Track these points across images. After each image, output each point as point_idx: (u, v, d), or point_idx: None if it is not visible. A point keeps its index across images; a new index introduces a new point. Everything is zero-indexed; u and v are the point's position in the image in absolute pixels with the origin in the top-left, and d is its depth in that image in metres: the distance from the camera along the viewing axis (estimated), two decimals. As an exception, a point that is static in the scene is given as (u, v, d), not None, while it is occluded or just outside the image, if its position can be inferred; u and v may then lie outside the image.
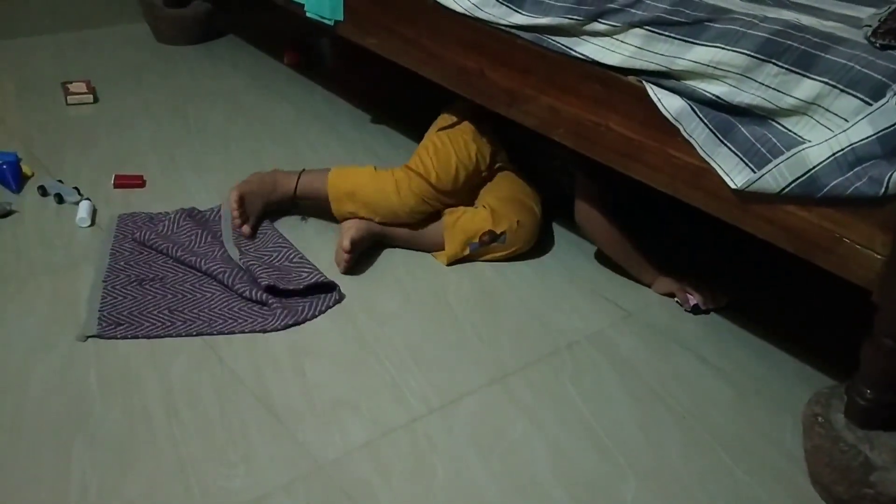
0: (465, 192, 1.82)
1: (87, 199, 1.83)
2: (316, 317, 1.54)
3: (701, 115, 1.29)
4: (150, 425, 1.27)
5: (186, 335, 1.46)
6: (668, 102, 1.32)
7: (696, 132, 1.29)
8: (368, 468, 1.23)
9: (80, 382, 1.35)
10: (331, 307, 1.57)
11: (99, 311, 1.50)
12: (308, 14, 2.03)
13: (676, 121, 1.31)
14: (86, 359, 1.39)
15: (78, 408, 1.30)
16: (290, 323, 1.51)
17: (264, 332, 1.49)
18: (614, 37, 1.40)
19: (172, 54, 2.78)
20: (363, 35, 1.92)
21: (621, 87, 1.39)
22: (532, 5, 1.52)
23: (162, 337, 1.45)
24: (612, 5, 1.40)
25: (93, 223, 1.77)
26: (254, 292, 1.55)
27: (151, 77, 2.59)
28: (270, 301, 1.54)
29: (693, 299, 1.64)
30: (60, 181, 1.90)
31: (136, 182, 1.95)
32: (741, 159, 1.24)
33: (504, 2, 1.57)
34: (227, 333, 1.47)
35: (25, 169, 1.93)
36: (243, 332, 1.48)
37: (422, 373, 1.43)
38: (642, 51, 1.36)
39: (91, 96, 2.35)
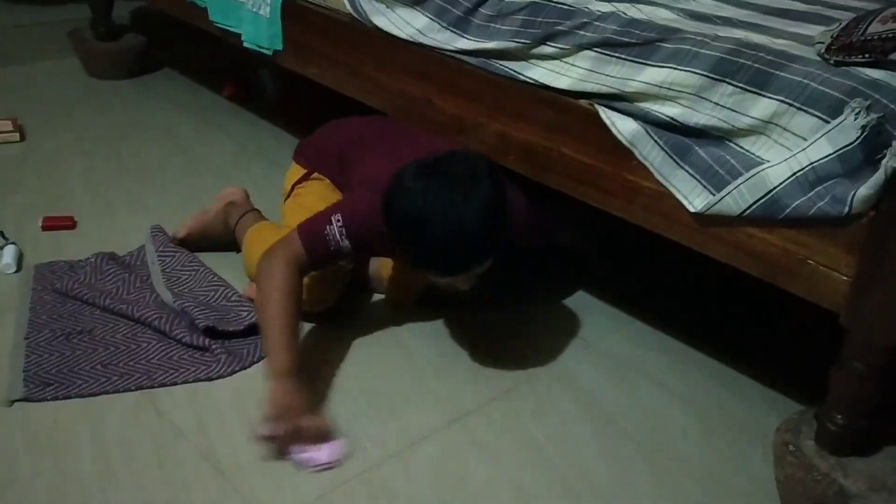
0: None
1: (13, 243, 1.72)
2: (261, 360, 1.45)
3: (656, 138, 1.25)
4: (82, 489, 1.17)
5: (125, 390, 1.36)
6: (622, 125, 1.28)
7: (652, 155, 1.26)
8: (322, 524, 1.15)
9: (5, 445, 1.24)
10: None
11: (24, 370, 1.38)
12: (246, 44, 1.96)
13: (631, 144, 1.28)
14: (10, 419, 1.28)
15: (2, 474, 1.19)
16: (235, 368, 1.42)
17: (209, 380, 1.39)
18: (563, 59, 1.37)
19: (105, 89, 2.68)
20: (304, 65, 1.86)
21: (572, 110, 1.35)
22: (477, 30, 1.48)
23: (97, 394, 1.34)
24: (560, 28, 1.36)
25: (19, 269, 1.66)
26: (194, 337, 1.45)
27: (83, 113, 2.48)
28: (213, 346, 1.45)
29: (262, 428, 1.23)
30: (-16, 226, 1.78)
31: (67, 223, 1.84)
32: (699, 182, 1.20)
33: (448, 27, 1.52)
34: (169, 385, 1.38)
35: (-55, 214, 1.81)
36: (186, 381, 1.39)
37: (377, 415, 1.35)
38: (593, 73, 1.32)
39: (17, 134, 2.23)
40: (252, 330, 1.49)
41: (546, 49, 1.38)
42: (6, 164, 2.12)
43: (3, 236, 1.75)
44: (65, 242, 1.77)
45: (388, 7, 1.62)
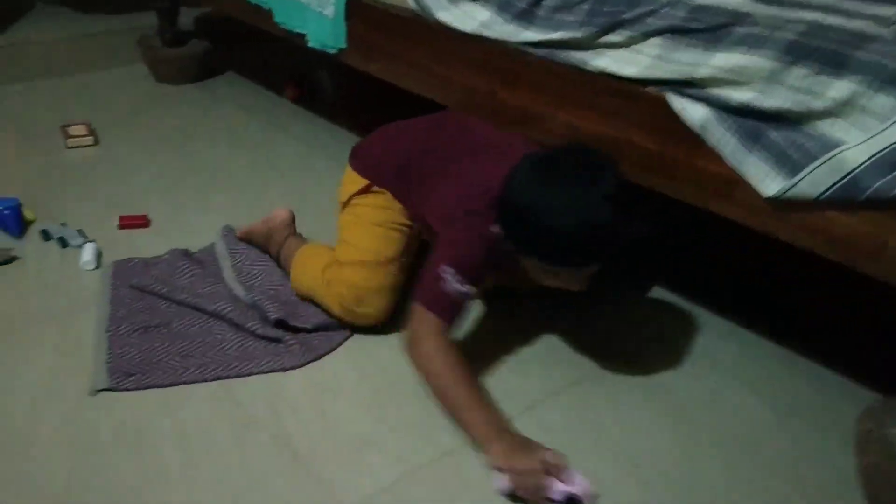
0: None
1: (92, 241, 1.78)
2: (332, 351, 1.48)
3: (728, 123, 1.23)
4: (165, 474, 1.21)
5: (202, 380, 1.39)
6: (692, 112, 1.27)
7: (723, 141, 1.24)
8: (398, 510, 1.16)
9: (90, 434, 1.28)
10: (342, 343, 1.51)
11: (107, 362, 1.42)
12: (310, 44, 1.99)
13: (702, 130, 1.26)
14: (95, 409, 1.33)
15: (89, 460, 1.23)
16: (308, 360, 1.45)
17: (283, 370, 1.42)
18: (630, 48, 1.36)
19: (172, 94, 2.75)
20: (367, 62, 1.88)
21: (640, 98, 1.34)
22: (542, 21, 1.48)
23: (177, 384, 1.39)
24: (626, 16, 1.35)
25: (98, 266, 1.72)
26: (267, 329, 1.49)
27: (152, 117, 2.55)
28: (286, 338, 1.48)
29: (504, 483, 1.19)
30: (63, 224, 1.85)
31: (141, 222, 1.89)
32: (773, 166, 1.18)
33: (513, 20, 1.53)
34: (245, 375, 1.41)
35: (27, 214, 1.88)
36: (262, 372, 1.42)
37: (447, 406, 1.37)
38: (661, 60, 1.31)
39: (91, 138, 2.31)
40: (320, 327, 1.51)
41: (612, 38, 1.37)
42: (82, 166, 2.19)
43: (83, 235, 1.81)
44: (139, 240, 1.82)
45: (451, 2, 1.63)
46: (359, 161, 1.58)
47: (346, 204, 1.58)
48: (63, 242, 1.79)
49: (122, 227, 1.88)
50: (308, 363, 1.44)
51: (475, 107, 1.62)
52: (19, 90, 2.70)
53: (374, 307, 1.49)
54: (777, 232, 1.22)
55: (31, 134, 2.37)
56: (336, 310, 1.50)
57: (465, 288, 1.31)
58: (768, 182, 1.19)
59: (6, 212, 1.83)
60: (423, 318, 1.32)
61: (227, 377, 1.40)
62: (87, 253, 1.72)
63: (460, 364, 1.30)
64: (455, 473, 1.23)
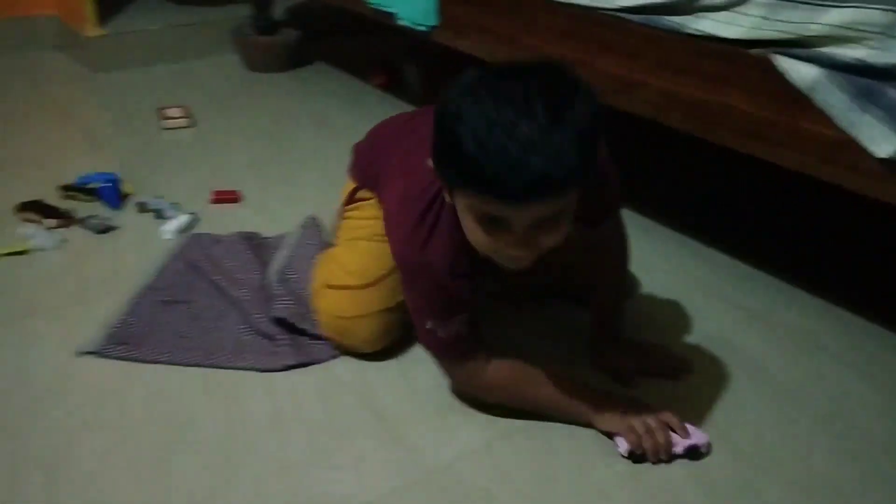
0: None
1: (191, 213, 1.82)
2: (332, 359, 1.37)
3: (839, 82, 1.17)
4: (253, 430, 1.22)
5: (180, 364, 1.36)
6: (799, 72, 1.21)
7: (833, 101, 1.18)
8: (486, 473, 1.14)
9: (184, 387, 1.30)
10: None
11: (113, 327, 1.43)
12: (401, 21, 1.99)
13: (810, 91, 1.20)
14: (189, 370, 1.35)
15: (181, 412, 1.25)
16: (291, 364, 1.35)
17: (262, 370, 1.34)
18: (734, 9, 1.31)
19: (263, 81, 2.81)
20: (457, 38, 1.87)
21: (743, 61, 1.29)
22: (640, -14, 1.44)
23: (157, 363, 1.36)
24: (729, -24, 1.31)
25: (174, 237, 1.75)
26: (267, 324, 1.42)
27: (244, 102, 2.61)
28: (277, 337, 1.40)
29: (626, 446, 1.16)
30: (159, 197, 1.90)
31: (232, 197, 1.93)
32: (889, 125, 1.12)
33: (609, -14, 1.49)
34: (223, 367, 1.35)
35: (126, 187, 1.94)
36: (241, 368, 1.34)
37: (536, 375, 1.34)
38: (767, 20, 1.26)
39: (186, 120, 2.37)
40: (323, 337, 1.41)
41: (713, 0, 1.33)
42: (177, 146, 2.25)
43: (177, 207, 1.86)
44: (231, 214, 1.86)
45: (544, -28, 1.61)
46: (351, 160, 1.48)
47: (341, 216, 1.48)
48: (158, 214, 1.83)
49: (214, 201, 1.91)
50: (291, 368, 1.34)
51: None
52: (121, 76, 2.81)
53: (359, 338, 1.34)
54: (890, 197, 1.15)
55: (131, 116, 2.46)
56: (327, 337, 1.38)
57: (456, 322, 1.15)
58: (881, 142, 1.12)
59: (106, 185, 1.89)
60: (448, 369, 1.24)
61: (205, 366, 1.35)
62: (171, 223, 1.76)
63: (512, 370, 1.21)
64: (544, 439, 1.20)
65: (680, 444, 1.16)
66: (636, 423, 1.16)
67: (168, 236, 1.74)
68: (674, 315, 1.51)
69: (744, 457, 1.17)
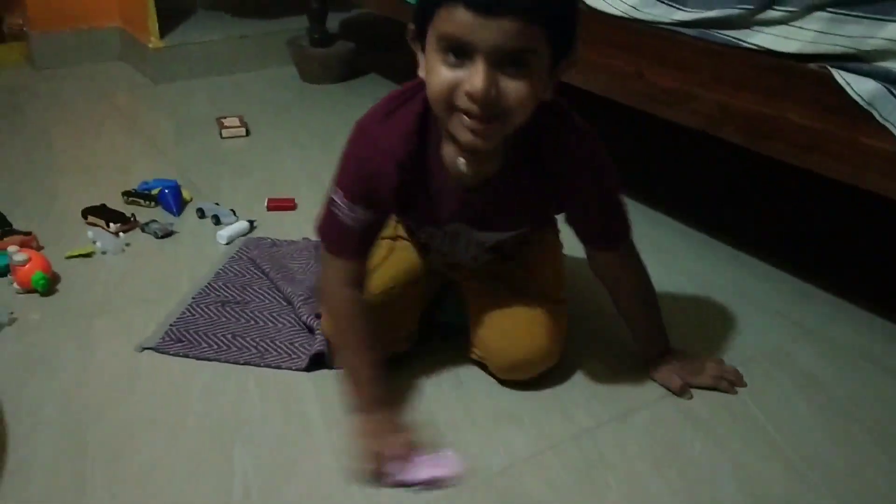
0: None
1: (248, 220, 1.87)
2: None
3: (899, 97, 1.17)
4: (309, 431, 1.24)
5: (234, 363, 1.39)
6: (859, 86, 1.21)
7: (895, 116, 1.17)
8: (536, 481, 1.15)
9: (241, 387, 1.34)
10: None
11: (171, 325, 1.48)
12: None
13: (869, 105, 1.19)
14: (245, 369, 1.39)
15: (239, 410, 1.29)
16: (307, 363, 1.37)
17: (293, 369, 1.37)
18: (791, 23, 1.31)
19: (318, 92, 2.87)
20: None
21: (801, 75, 1.29)
22: (696, 1, 1.45)
23: (211, 360, 1.40)
24: (787, -10, 1.31)
25: (229, 242, 1.80)
26: (307, 317, 1.45)
27: (299, 113, 2.67)
28: (317, 328, 1.41)
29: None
30: (217, 204, 1.95)
31: (288, 205, 1.98)
32: (951, 140, 1.11)
33: (664, 1, 1.50)
34: (273, 367, 1.38)
35: (185, 194, 1.99)
36: (289, 368, 1.37)
37: (587, 386, 1.34)
38: (825, 35, 1.26)
39: (244, 129, 2.43)
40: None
41: (772, 13, 1.32)
42: (235, 154, 2.31)
43: (235, 214, 1.90)
44: (286, 221, 1.90)
45: (599, -14, 1.62)
46: None
47: None
48: (216, 220, 1.89)
49: (270, 208, 1.96)
50: (312, 369, 1.37)
51: (620, 89, 1.60)
52: (181, 87, 2.89)
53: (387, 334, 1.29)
54: (952, 212, 1.14)
55: (190, 125, 2.53)
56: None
57: (356, 211, 1.12)
58: (944, 157, 1.11)
59: (166, 191, 1.95)
60: (325, 260, 1.20)
61: (258, 365, 1.38)
62: (227, 229, 1.81)
63: (348, 309, 1.19)
64: (595, 450, 1.20)
65: (398, 474, 1.11)
66: (371, 443, 1.14)
67: (223, 241, 1.79)
68: (728, 329, 1.50)
69: (796, 472, 1.16)
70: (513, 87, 0.97)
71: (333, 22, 3.07)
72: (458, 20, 0.93)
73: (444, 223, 1.23)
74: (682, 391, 1.31)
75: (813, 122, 1.28)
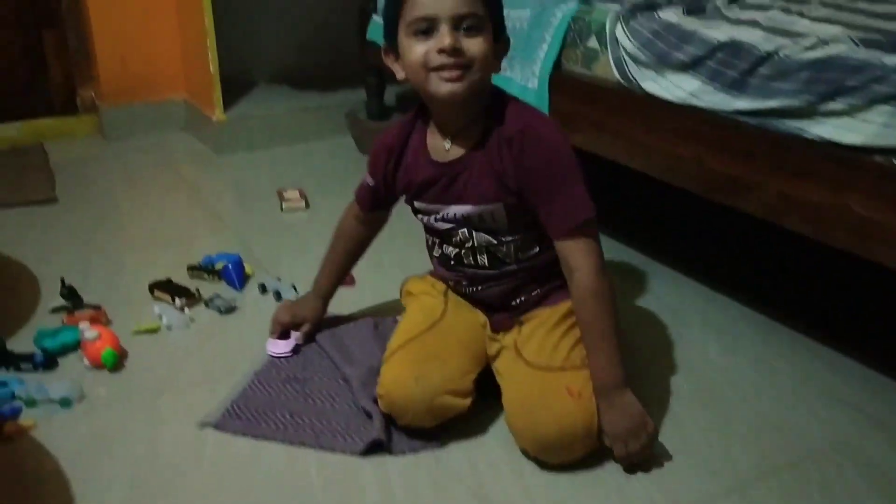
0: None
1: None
2: (410, 453, 1.38)
3: (968, 193, 1.16)
4: (369, 520, 1.25)
5: (289, 443, 1.41)
6: (925, 180, 1.20)
7: (963, 212, 1.16)
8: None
9: (301, 467, 1.36)
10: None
11: (232, 401, 1.50)
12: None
13: (937, 200, 1.19)
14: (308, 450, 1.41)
15: (299, 494, 1.30)
16: (375, 439, 1.37)
17: (353, 454, 1.37)
18: (854, 115, 1.31)
19: (374, 164, 2.92)
20: (570, 133, 1.91)
21: (865, 166, 1.29)
22: (755, 90, 1.46)
23: (268, 439, 1.42)
24: (849, 83, 1.31)
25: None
26: (365, 401, 1.45)
27: (356, 184, 2.71)
28: (375, 414, 1.41)
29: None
30: (279, 279, 1.99)
31: (348, 281, 2.01)
32: None
33: (723, 88, 1.52)
34: (326, 450, 1.39)
35: (247, 268, 2.04)
36: (343, 452, 1.38)
37: (649, 479, 1.33)
38: (890, 128, 1.26)
39: (304, 202, 2.49)
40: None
41: (834, 105, 1.33)
42: (295, 228, 2.37)
43: (296, 289, 1.94)
44: (346, 296, 1.93)
45: (658, 73, 1.65)
46: None
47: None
48: (278, 296, 1.93)
49: None
50: (368, 453, 1.37)
51: (679, 174, 1.61)
52: (242, 158, 2.98)
53: (397, 406, 1.36)
54: None
55: (252, 197, 2.61)
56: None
57: (369, 179, 1.58)
58: None
59: (229, 266, 2.00)
60: (351, 204, 1.70)
61: (312, 447, 1.40)
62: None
63: (343, 234, 1.72)
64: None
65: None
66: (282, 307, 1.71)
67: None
68: (791, 417, 1.47)
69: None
70: (473, 42, 1.27)
71: (389, 95, 3.15)
72: (422, 2, 1.26)
73: (428, 199, 1.46)
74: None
75: (877, 213, 1.28)
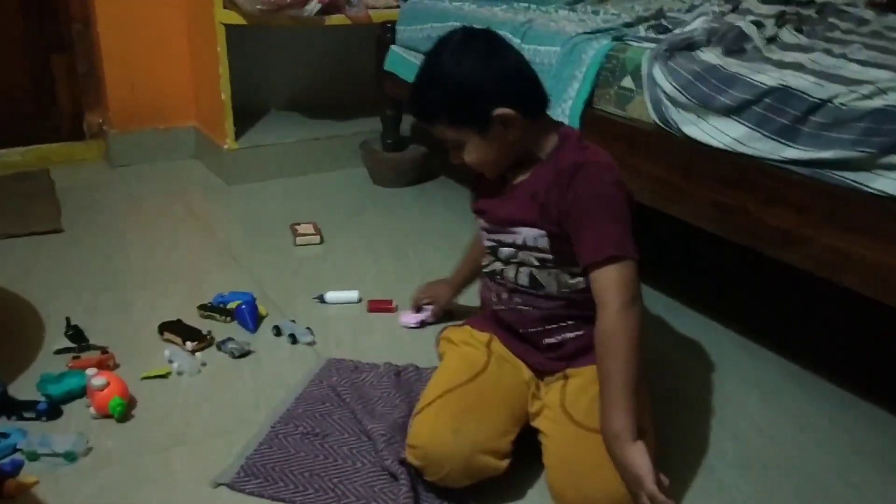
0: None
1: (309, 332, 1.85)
2: None
3: None
4: None
5: None
6: None
7: None
8: None
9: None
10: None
11: (247, 457, 1.42)
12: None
13: None
14: None
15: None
16: None
17: None
18: (919, 170, 1.24)
19: (389, 196, 2.85)
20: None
21: (931, 225, 1.21)
22: (809, 138, 1.38)
23: (286, 502, 1.33)
24: (913, 135, 1.24)
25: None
26: (391, 462, 1.37)
27: (371, 218, 2.65)
28: (402, 478, 1.33)
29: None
30: (293, 321, 1.91)
31: (387, 307, 1.99)
32: None
33: (772, 136, 1.44)
34: None
35: (261, 309, 1.96)
36: None
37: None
38: (959, 184, 1.18)
39: (318, 237, 2.41)
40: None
41: (895, 159, 1.26)
42: (309, 264, 2.29)
43: (311, 332, 1.86)
44: (383, 321, 1.85)
45: (699, 117, 1.58)
46: None
47: None
48: (293, 339, 1.84)
49: (370, 310, 2.00)
50: None
51: (725, 224, 1.53)
52: (254, 188, 2.90)
53: (435, 464, 1.29)
54: None
55: (264, 230, 2.52)
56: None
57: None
58: None
59: (243, 306, 1.92)
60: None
61: None
62: (332, 295, 2.04)
63: (475, 241, 1.73)
64: None
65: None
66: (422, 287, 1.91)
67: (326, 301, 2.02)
68: (845, 488, 1.38)
69: None
70: (466, 155, 1.40)
71: (405, 125, 3.08)
72: None
73: (490, 217, 1.47)
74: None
75: (946, 275, 1.20)
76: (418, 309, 1.91)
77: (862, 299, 1.44)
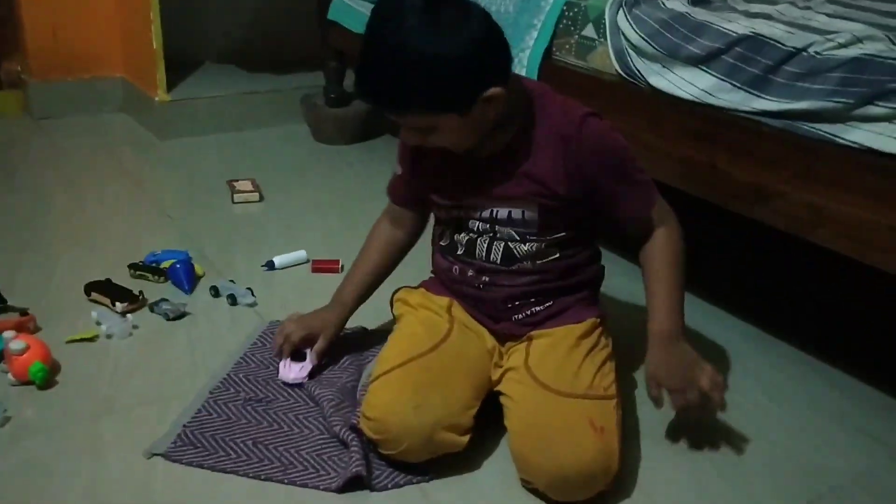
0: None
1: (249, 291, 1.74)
2: (399, 486, 1.22)
3: None
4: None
5: (253, 477, 1.23)
6: (982, 196, 1.09)
7: None
8: None
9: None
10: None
11: (185, 426, 1.32)
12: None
13: None
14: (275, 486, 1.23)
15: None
16: (341, 484, 1.20)
17: (329, 490, 1.20)
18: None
19: (332, 153, 2.74)
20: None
21: (908, 178, 1.17)
22: (781, 89, 1.33)
23: (227, 472, 1.24)
24: (891, 85, 1.19)
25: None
26: (340, 429, 1.28)
27: (313, 175, 2.53)
28: (352, 443, 1.25)
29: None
30: (232, 281, 1.80)
31: (334, 267, 1.88)
32: None
33: (742, 87, 1.38)
34: (298, 486, 1.22)
35: (197, 269, 1.84)
36: (315, 487, 1.21)
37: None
38: (939, 136, 1.14)
39: (257, 194, 2.29)
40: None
41: (873, 109, 1.21)
42: (248, 221, 2.17)
43: (252, 293, 1.75)
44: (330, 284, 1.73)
45: (665, 67, 1.51)
46: None
47: None
48: (233, 300, 1.73)
49: (314, 270, 1.90)
50: (345, 490, 1.20)
51: (693, 181, 1.47)
52: (188, 143, 2.75)
53: (400, 447, 1.20)
54: None
55: (200, 187, 2.38)
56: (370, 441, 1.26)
57: (398, 168, 1.44)
58: None
59: (178, 266, 1.79)
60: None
61: (281, 482, 1.22)
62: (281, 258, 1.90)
63: (374, 241, 1.51)
64: None
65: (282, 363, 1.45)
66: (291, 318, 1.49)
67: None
68: (807, 449, 1.35)
69: None
70: (435, 138, 1.22)
71: (349, 79, 2.95)
72: None
73: (460, 197, 1.32)
74: (655, 400, 1.27)
75: (924, 231, 1.16)
76: (295, 354, 1.45)
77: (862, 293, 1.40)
